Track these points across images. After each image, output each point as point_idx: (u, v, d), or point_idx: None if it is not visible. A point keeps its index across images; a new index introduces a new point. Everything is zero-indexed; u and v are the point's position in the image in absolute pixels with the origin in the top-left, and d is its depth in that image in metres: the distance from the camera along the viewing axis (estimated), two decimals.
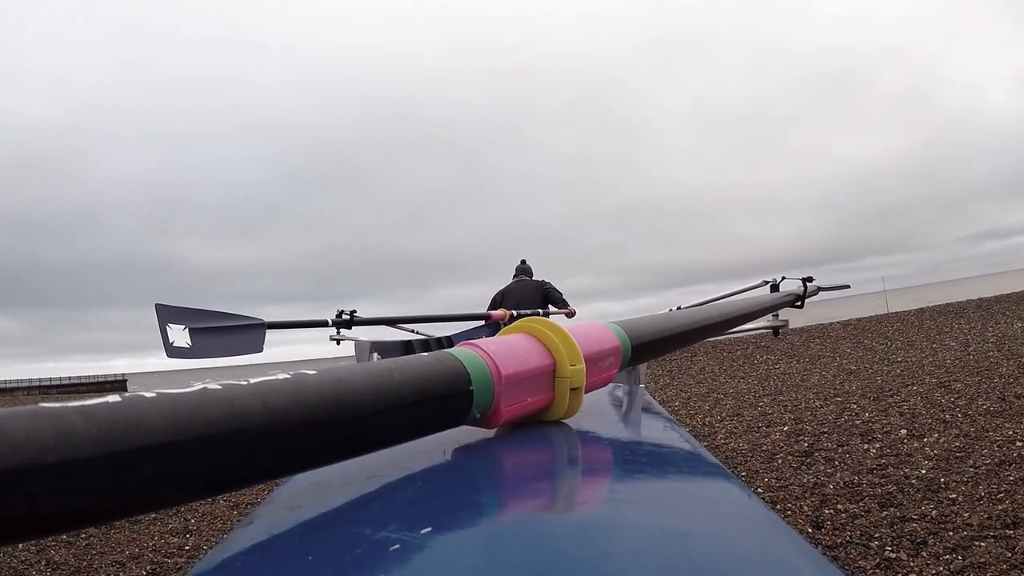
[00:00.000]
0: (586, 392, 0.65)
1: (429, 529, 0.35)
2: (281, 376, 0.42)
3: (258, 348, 2.26)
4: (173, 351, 2.03)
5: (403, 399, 0.47)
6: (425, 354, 0.54)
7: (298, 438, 0.40)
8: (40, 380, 58.38)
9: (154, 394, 0.35)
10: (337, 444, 0.44)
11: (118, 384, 58.16)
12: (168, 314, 2.07)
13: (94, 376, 63.10)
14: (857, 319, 14.19)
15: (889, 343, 9.90)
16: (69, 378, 60.87)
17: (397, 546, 0.33)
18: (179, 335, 2.05)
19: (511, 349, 0.59)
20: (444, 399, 0.51)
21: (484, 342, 0.58)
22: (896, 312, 14.94)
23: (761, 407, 6.09)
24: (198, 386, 0.37)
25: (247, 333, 2.26)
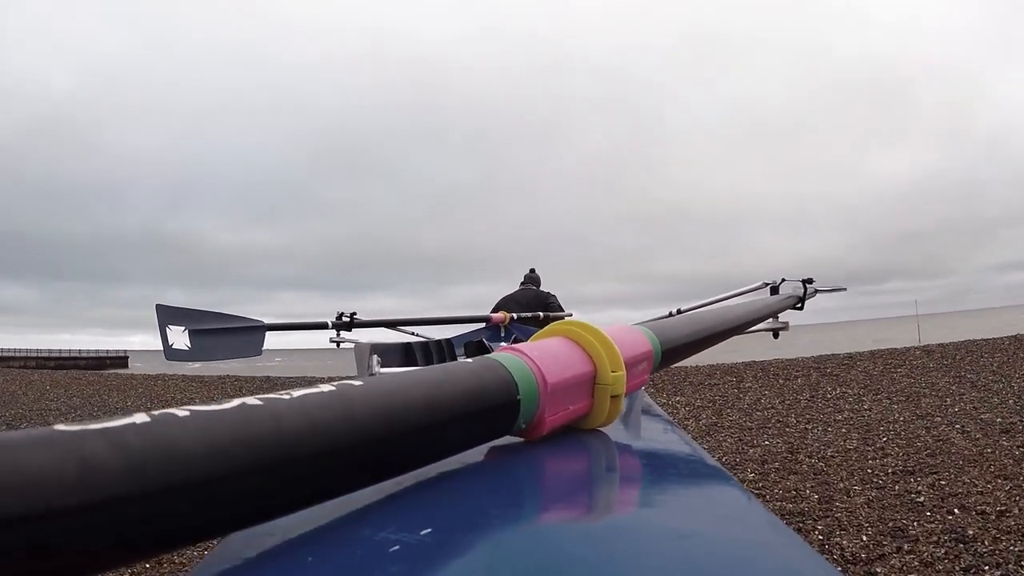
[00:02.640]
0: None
1: (429, 531, 0.34)
2: (326, 388, 0.37)
3: (257, 351, 2.28)
4: (173, 353, 2.02)
5: (453, 411, 0.43)
6: (469, 360, 0.50)
7: (348, 458, 0.36)
8: (39, 351, 57.24)
9: (187, 412, 0.29)
10: (388, 463, 0.40)
11: (119, 360, 56.99)
12: (168, 315, 2.06)
13: (95, 351, 61.87)
14: (941, 344, 11.43)
15: (1005, 380, 7.26)
16: (69, 351, 59.73)
17: (397, 547, 0.32)
18: (179, 337, 2.04)
19: (554, 354, 0.54)
20: (493, 409, 0.47)
21: (526, 347, 0.54)
22: (986, 339, 12.16)
23: (916, 494, 3.47)
24: (236, 402, 0.32)
25: (246, 335, 2.27)
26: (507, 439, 0.53)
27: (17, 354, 54.68)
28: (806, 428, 5.84)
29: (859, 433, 5.42)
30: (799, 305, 2.08)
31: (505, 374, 0.48)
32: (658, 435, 0.73)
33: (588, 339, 0.58)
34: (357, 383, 0.39)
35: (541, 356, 0.52)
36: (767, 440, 5.34)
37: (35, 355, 55.43)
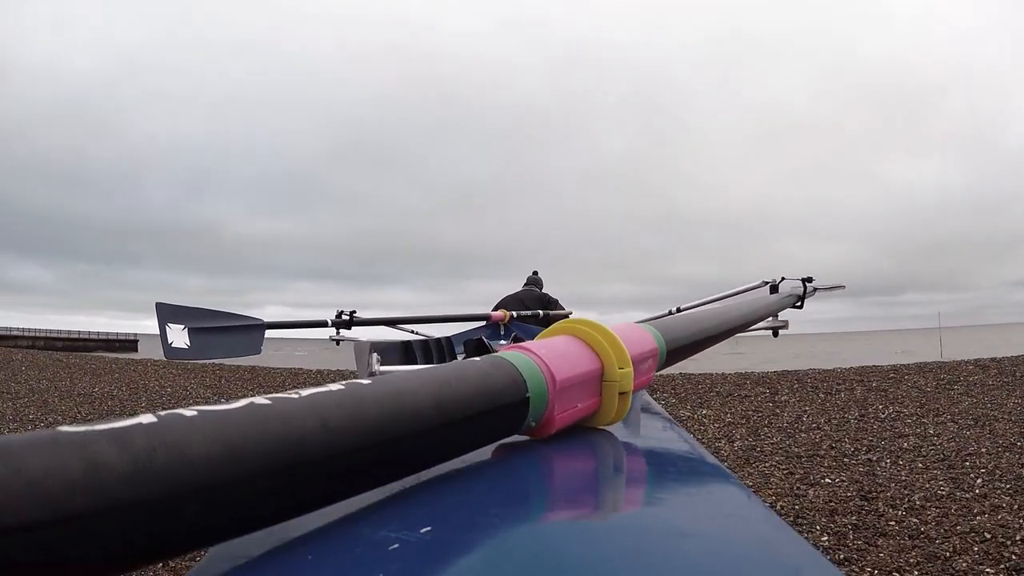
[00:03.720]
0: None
1: (429, 528, 0.35)
2: (335, 387, 0.37)
3: (256, 349, 2.28)
4: (172, 351, 2.03)
5: (464, 410, 0.43)
6: (478, 359, 0.51)
7: (359, 459, 0.36)
8: (49, 331, 57.15)
9: (195, 412, 0.29)
10: (399, 463, 0.40)
11: (128, 343, 56.71)
12: (168, 313, 2.07)
13: (107, 334, 61.69)
14: (1009, 358, 10.23)
15: None
16: (79, 332, 59.65)
17: (397, 545, 0.32)
18: (178, 335, 2.05)
19: (561, 352, 0.55)
20: (502, 408, 0.47)
21: (533, 345, 0.55)
22: None
23: None
24: (244, 401, 0.32)
25: (246, 333, 2.27)
26: (514, 437, 0.52)
27: (25, 334, 54.51)
28: (869, 459, 4.76)
29: (940, 469, 4.34)
30: (799, 304, 2.06)
31: (514, 372, 0.49)
32: (658, 433, 0.74)
33: (595, 336, 0.58)
34: (366, 382, 0.39)
35: (549, 354, 0.53)
36: (826, 475, 4.27)
37: (43, 335, 55.24)
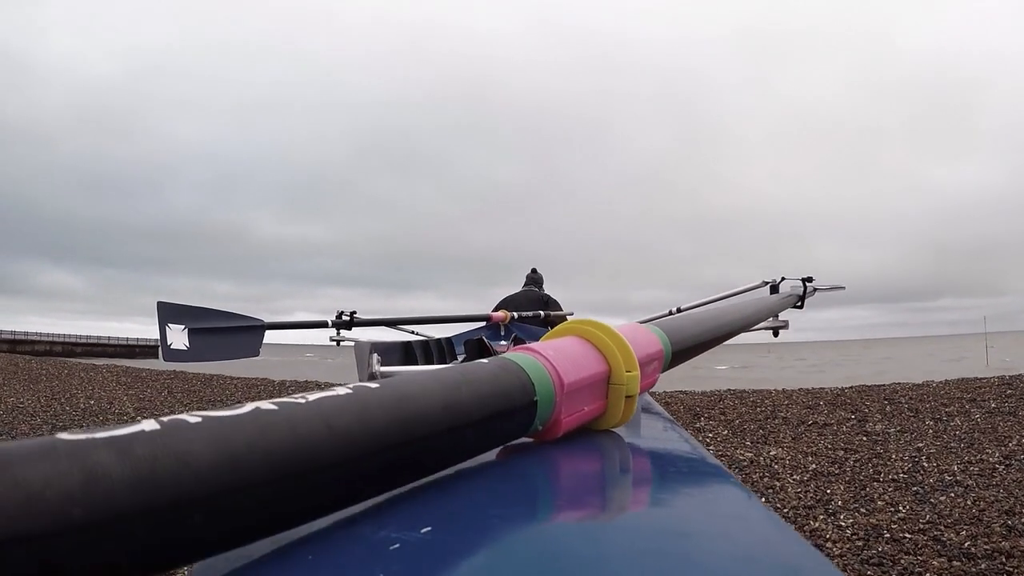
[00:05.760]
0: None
1: (429, 529, 0.34)
2: (342, 391, 0.36)
3: (254, 352, 2.22)
4: (171, 354, 1.98)
5: (472, 414, 0.42)
6: (485, 361, 0.49)
7: (367, 464, 0.35)
8: (68, 337, 56.81)
9: (199, 418, 0.29)
10: (406, 468, 0.39)
11: (150, 349, 55.97)
12: (169, 313, 2.01)
13: (134, 339, 61.07)
14: None
15: None
16: (99, 338, 59.22)
17: (397, 545, 0.32)
18: (177, 336, 2.00)
19: (568, 354, 0.54)
20: (511, 411, 0.46)
21: (541, 347, 0.54)
22: None
23: None
24: (249, 406, 0.31)
25: (245, 335, 2.23)
26: (521, 439, 0.52)
27: (43, 338, 54.19)
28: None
29: None
30: (799, 304, 2.07)
31: (522, 375, 0.48)
32: (659, 433, 0.73)
33: (602, 338, 0.57)
34: (374, 385, 0.38)
35: (557, 356, 0.52)
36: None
37: (61, 340, 54.86)
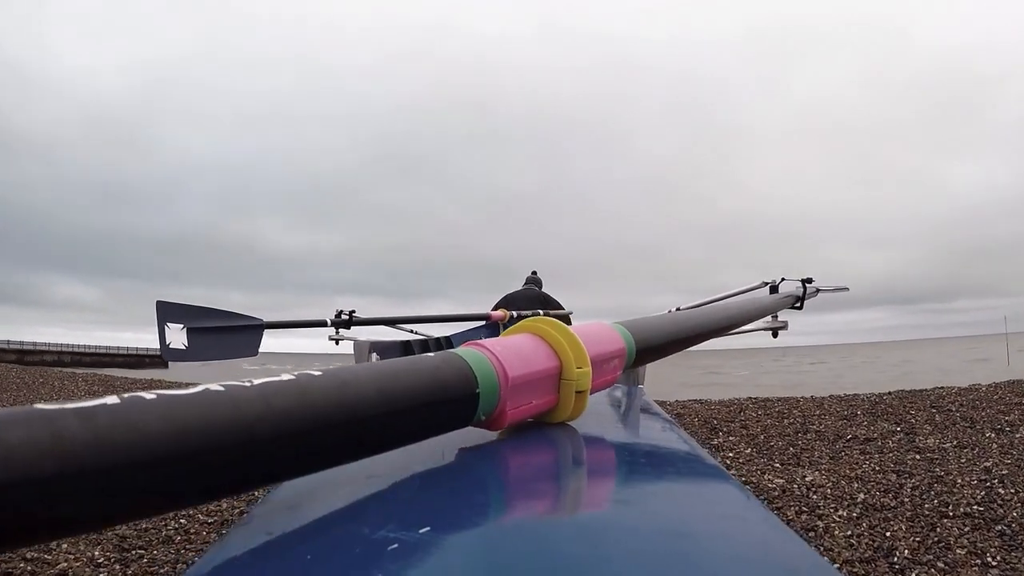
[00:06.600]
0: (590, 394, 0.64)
1: (428, 529, 0.35)
2: (285, 377, 0.39)
3: (253, 351, 2.24)
4: (170, 353, 2.01)
5: (409, 401, 0.46)
6: (431, 355, 0.52)
7: (303, 441, 0.38)
8: (75, 347, 56.62)
9: (154, 395, 0.32)
10: (342, 447, 0.42)
11: (158, 359, 55.61)
12: (168, 313, 2.04)
13: (144, 350, 60.77)
14: None
15: None
16: (107, 348, 59.04)
17: (396, 546, 0.33)
18: (176, 336, 2.03)
19: (517, 350, 0.57)
20: (450, 401, 0.49)
21: (490, 343, 0.56)
22: None
23: None
24: (200, 387, 0.35)
25: (244, 334, 2.25)
26: (482, 433, 0.55)
27: (51, 348, 54.04)
28: None
29: None
30: (798, 304, 2.03)
31: (464, 368, 0.50)
32: (656, 433, 0.76)
33: (554, 336, 0.59)
34: (316, 373, 0.41)
35: (504, 351, 0.54)
36: None
37: (69, 350, 54.70)
